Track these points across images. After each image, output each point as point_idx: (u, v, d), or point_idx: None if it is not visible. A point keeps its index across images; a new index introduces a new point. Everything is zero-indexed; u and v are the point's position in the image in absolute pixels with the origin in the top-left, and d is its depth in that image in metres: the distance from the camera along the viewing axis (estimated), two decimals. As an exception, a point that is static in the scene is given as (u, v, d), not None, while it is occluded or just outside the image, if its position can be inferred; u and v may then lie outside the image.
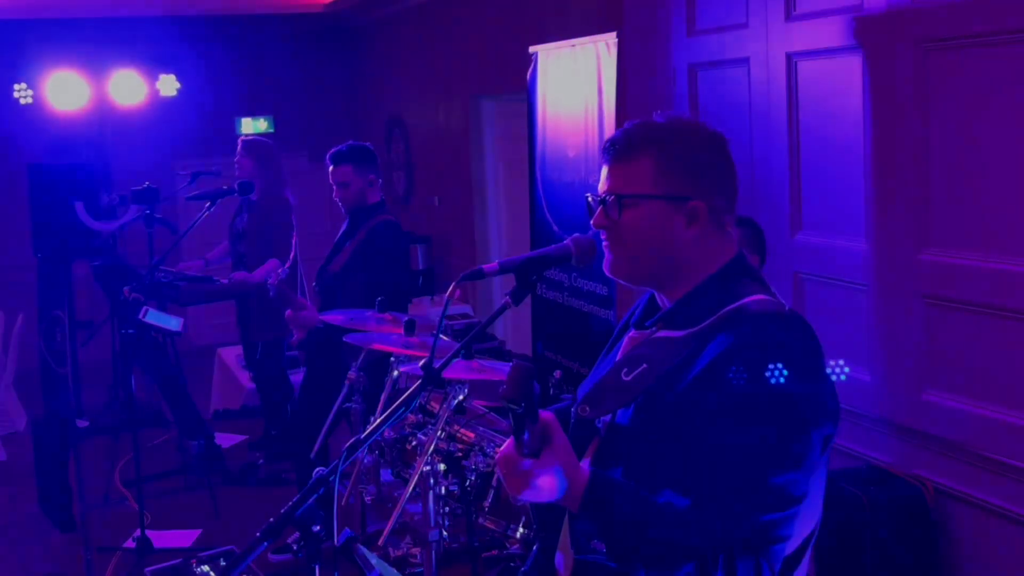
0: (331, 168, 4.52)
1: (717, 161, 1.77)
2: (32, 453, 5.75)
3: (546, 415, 1.55)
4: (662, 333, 1.75)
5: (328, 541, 1.74)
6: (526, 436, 1.52)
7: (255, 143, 5.60)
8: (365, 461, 3.48)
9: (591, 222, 1.79)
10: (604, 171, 1.79)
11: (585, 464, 1.72)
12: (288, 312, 4.45)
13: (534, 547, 2.00)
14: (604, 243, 1.79)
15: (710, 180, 1.75)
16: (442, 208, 8.28)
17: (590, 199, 1.80)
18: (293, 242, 5.45)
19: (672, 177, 1.73)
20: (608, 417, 1.76)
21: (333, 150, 4.54)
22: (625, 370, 1.74)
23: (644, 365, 1.71)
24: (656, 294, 1.84)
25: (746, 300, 1.69)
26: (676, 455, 1.62)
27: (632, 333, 1.86)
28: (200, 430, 5.67)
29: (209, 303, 7.36)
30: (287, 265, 5.32)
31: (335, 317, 3.87)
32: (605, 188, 1.77)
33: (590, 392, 1.82)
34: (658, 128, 1.76)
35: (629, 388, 1.71)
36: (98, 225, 6.23)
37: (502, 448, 1.59)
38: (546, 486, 1.55)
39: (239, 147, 5.51)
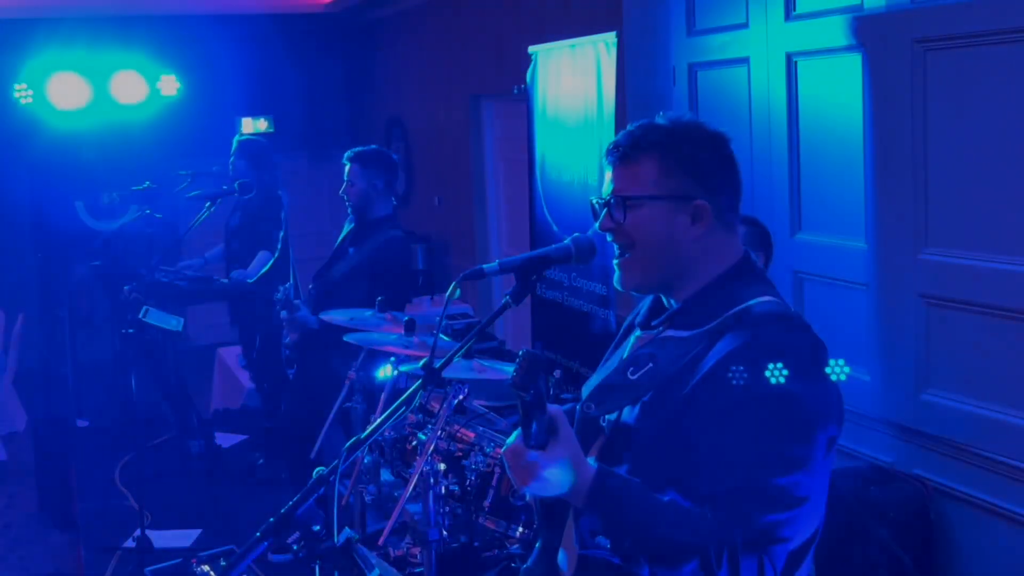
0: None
1: (720, 160, 1.78)
2: (32, 453, 5.76)
3: (554, 408, 1.56)
4: (669, 333, 1.76)
5: (328, 541, 1.74)
6: (533, 428, 1.53)
7: (248, 143, 5.65)
8: (365, 461, 3.49)
9: (598, 227, 1.80)
10: (608, 175, 1.80)
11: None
12: (283, 313, 4.48)
13: (536, 543, 2.00)
14: (614, 259, 1.80)
15: (714, 179, 1.76)
16: (442, 208, 8.28)
17: (594, 203, 1.81)
18: (280, 236, 5.48)
19: (676, 177, 1.74)
20: (613, 416, 1.77)
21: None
22: (631, 369, 1.75)
23: (650, 364, 1.72)
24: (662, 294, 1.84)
25: (753, 301, 1.70)
26: (681, 454, 1.63)
27: (638, 333, 1.86)
28: (200, 430, 5.67)
29: (209, 303, 7.36)
30: (275, 257, 5.38)
31: (334, 317, 3.87)
32: (610, 191, 1.78)
33: (595, 391, 1.83)
34: (661, 129, 1.77)
35: (635, 387, 1.72)
36: (98, 225, 6.23)
37: (510, 439, 1.60)
38: (552, 479, 1.55)
39: (234, 147, 5.56)
